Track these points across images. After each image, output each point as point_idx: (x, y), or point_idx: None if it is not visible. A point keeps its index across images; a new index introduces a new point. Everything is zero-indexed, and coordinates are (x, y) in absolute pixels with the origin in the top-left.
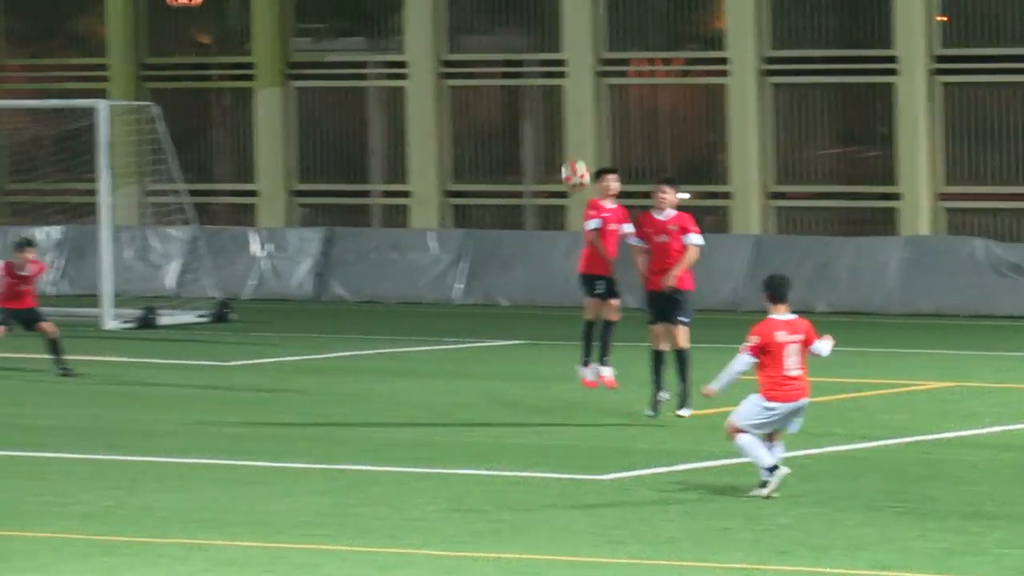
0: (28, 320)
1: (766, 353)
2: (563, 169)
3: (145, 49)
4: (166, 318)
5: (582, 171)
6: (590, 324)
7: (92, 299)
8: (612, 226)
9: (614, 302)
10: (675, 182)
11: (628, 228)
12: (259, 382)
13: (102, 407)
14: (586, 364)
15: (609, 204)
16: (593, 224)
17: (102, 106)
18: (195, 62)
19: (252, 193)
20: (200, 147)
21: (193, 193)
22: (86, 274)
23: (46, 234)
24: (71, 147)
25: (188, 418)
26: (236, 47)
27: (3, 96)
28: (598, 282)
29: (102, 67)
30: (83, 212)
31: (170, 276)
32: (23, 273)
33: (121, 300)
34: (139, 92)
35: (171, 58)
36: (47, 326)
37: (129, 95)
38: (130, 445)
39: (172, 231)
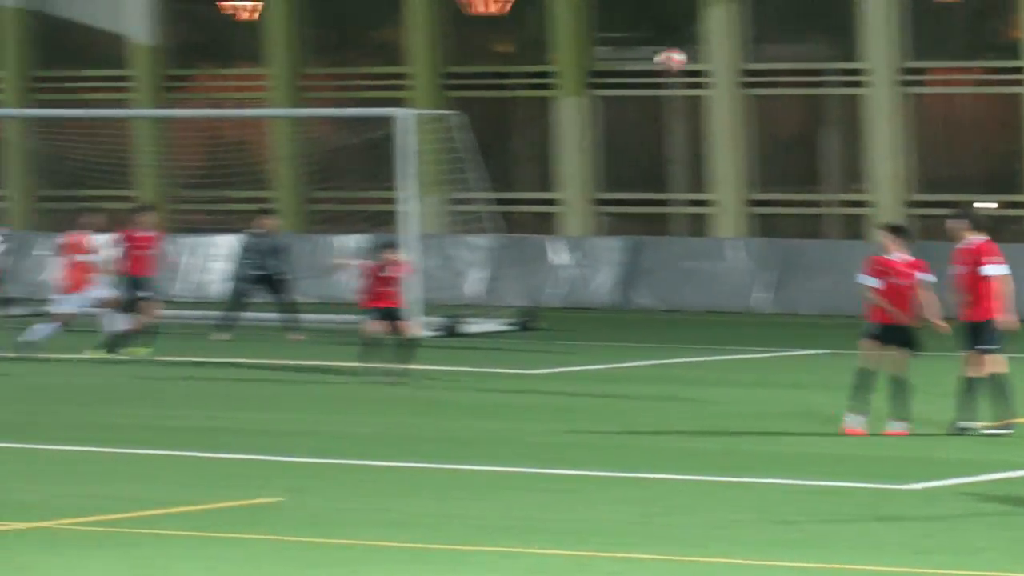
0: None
1: None
2: (660, 56)
3: (447, 58)
4: (471, 326)
5: (678, 58)
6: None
7: None
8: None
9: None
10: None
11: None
12: (564, 390)
13: (410, 415)
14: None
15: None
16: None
17: (406, 115)
18: (496, 71)
19: (555, 202)
20: (502, 156)
21: (496, 202)
22: None
23: (346, 241)
24: (373, 156)
25: (494, 426)
26: (538, 56)
27: (306, 105)
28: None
29: (404, 76)
30: (384, 221)
31: (473, 284)
32: (385, 274)
33: (425, 308)
34: (441, 101)
35: (473, 67)
36: (406, 326)
37: (431, 104)
38: (438, 453)
39: (475, 239)
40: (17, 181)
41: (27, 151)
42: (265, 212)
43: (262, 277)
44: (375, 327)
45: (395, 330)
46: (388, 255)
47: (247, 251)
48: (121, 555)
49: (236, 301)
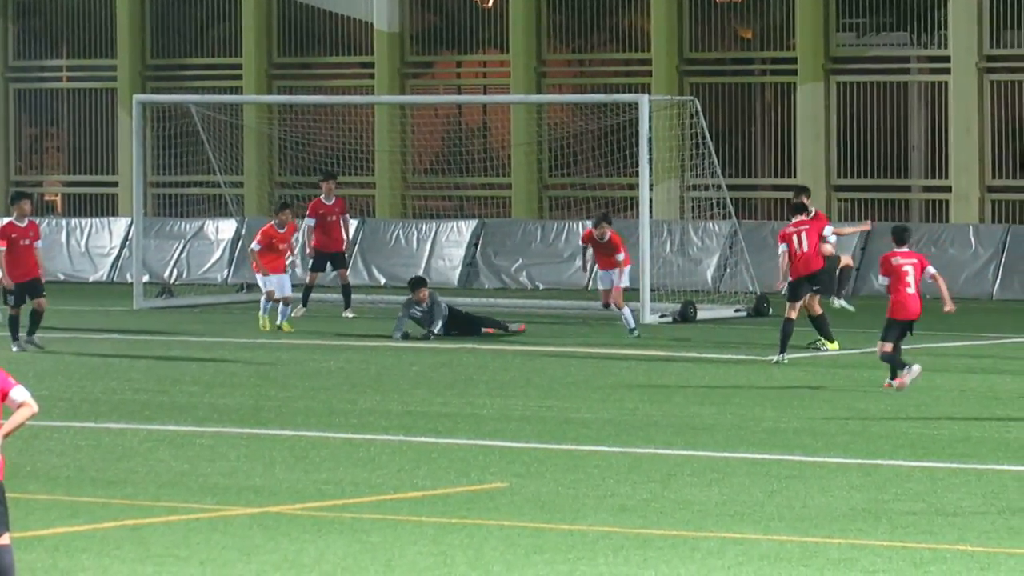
0: None
1: None
2: None
3: (687, 44)
4: (704, 312)
5: None
6: None
7: (633, 293)
8: None
9: None
10: None
11: None
12: (796, 376)
13: (640, 400)
14: None
15: None
16: None
17: (643, 101)
18: (737, 57)
19: (792, 188)
20: (740, 142)
21: (732, 188)
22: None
23: (583, 228)
24: (613, 142)
25: (725, 412)
26: (778, 42)
27: (547, 91)
28: None
29: (645, 62)
30: (624, 207)
31: (709, 270)
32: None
33: (660, 294)
34: (680, 87)
35: (713, 53)
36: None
37: (671, 90)
38: (667, 438)
39: (711, 225)
40: (255, 167)
41: (267, 137)
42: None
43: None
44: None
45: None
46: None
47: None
48: (349, 540)
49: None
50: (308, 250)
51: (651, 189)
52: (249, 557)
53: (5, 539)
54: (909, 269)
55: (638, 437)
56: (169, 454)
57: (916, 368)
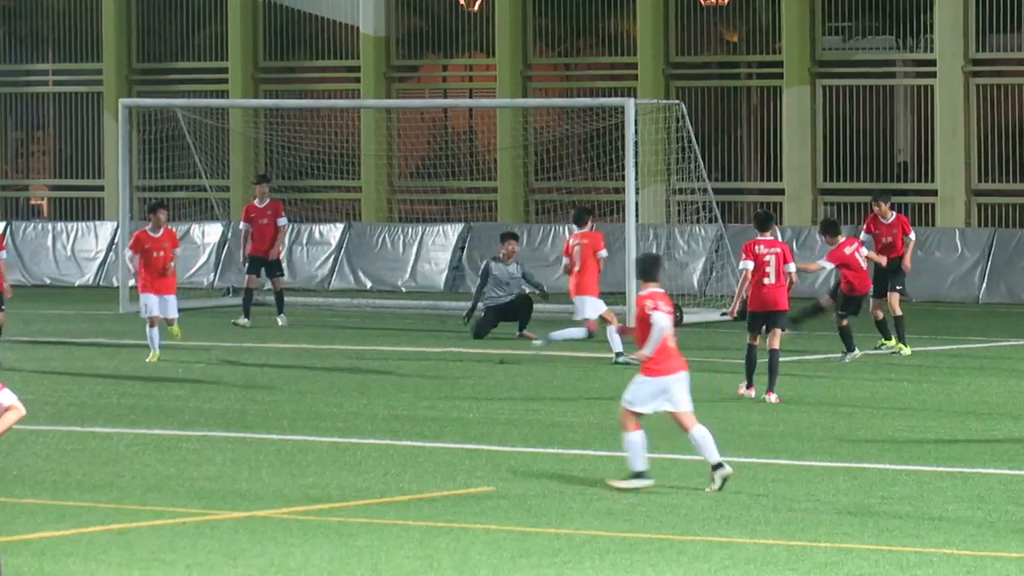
0: None
1: None
2: None
3: (673, 47)
4: (690, 316)
5: None
6: None
7: (620, 297)
8: None
9: None
10: None
11: None
12: (783, 381)
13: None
14: None
15: None
16: None
17: (629, 104)
18: (723, 60)
19: (779, 192)
20: (726, 145)
21: (719, 191)
22: (613, 272)
23: (568, 232)
24: (599, 146)
25: (712, 415)
26: (764, 45)
27: (533, 95)
28: None
29: (631, 66)
30: (610, 210)
31: (695, 274)
32: None
33: None
34: (666, 90)
35: (699, 57)
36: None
37: (657, 93)
38: (653, 443)
39: (697, 229)
40: (241, 171)
41: (253, 141)
42: (510, 237)
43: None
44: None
45: None
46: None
47: (494, 281)
48: (336, 544)
49: (478, 329)
50: (243, 256)
51: (637, 193)
52: (235, 561)
53: None
54: (771, 259)
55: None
56: (155, 458)
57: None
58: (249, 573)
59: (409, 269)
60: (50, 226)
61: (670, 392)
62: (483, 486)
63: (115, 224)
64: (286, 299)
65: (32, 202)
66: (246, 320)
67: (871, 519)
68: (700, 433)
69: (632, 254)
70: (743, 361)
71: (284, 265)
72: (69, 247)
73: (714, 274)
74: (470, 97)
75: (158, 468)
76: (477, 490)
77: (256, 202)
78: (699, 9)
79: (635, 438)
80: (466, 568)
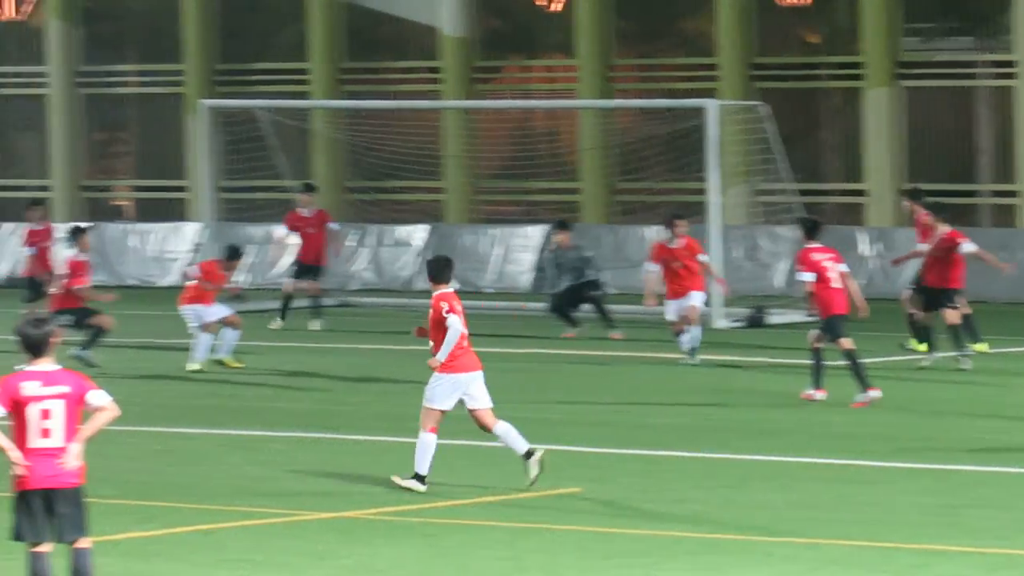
0: None
1: None
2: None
3: (754, 48)
4: (775, 317)
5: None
6: None
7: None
8: None
9: None
10: None
11: None
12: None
13: (712, 405)
14: None
15: None
16: None
17: (711, 106)
18: (804, 61)
19: (861, 193)
20: (809, 147)
21: (802, 192)
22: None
23: (652, 233)
24: (681, 146)
25: (797, 417)
26: (845, 46)
27: (615, 96)
28: None
29: (711, 67)
30: (693, 212)
31: (778, 275)
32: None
33: (730, 299)
34: (748, 92)
35: (780, 57)
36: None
37: (738, 95)
38: (739, 443)
39: (781, 230)
40: (324, 172)
41: (335, 142)
42: (563, 225)
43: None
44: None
45: None
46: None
47: (557, 267)
48: (423, 545)
49: (561, 312)
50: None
51: (720, 194)
52: (323, 562)
53: (84, 543)
54: (829, 264)
55: (711, 442)
56: (243, 458)
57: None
58: (337, 574)
59: (493, 270)
60: (134, 227)
61: (469, 389)
62: (571, 487)
63: (198, 225)
64: (370, 300)
65: (115, 203)
66: (280, 322)
67: (958, 521)
68: (502, 429)
69: (717, 255)
70: (813, 364)
71: (370, 267)
72: (153, 248)
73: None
74: (551, 98)
75: (245, 468)
76: (565, 491)
77: (301, 211)
78: (780, 10)
79: (428, 439)
80: (553, 569)
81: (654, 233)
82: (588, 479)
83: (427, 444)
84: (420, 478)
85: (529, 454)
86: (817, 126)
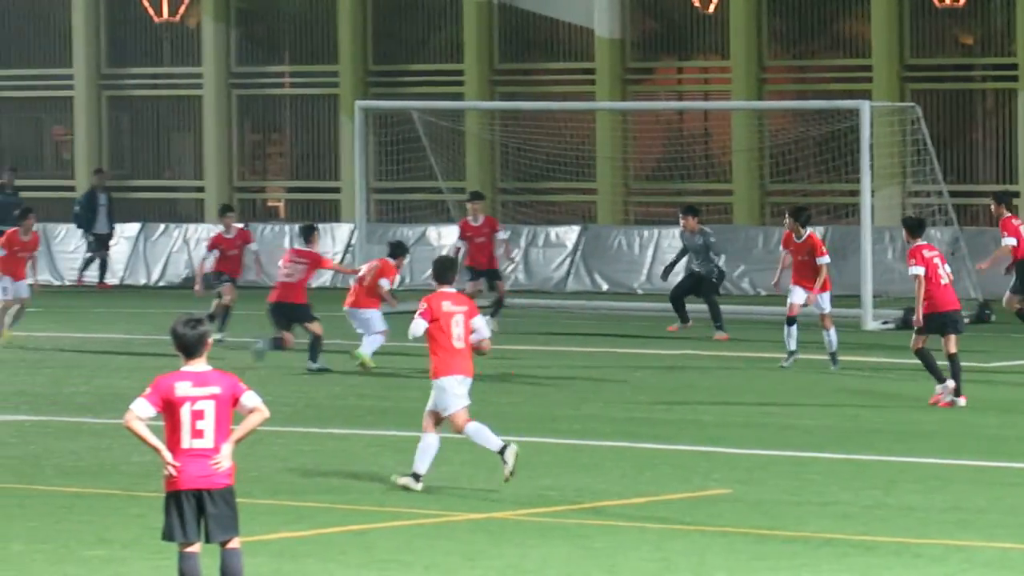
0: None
1: None
2: None
3: (908, 50)
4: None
5: None
6: None
7: (854, 299)
8: None
9: None
10: None
11: None
12: (1019, 383)
13: (861, 407)
14: None
15: None
16: None
17: (864, 107)
18: (957, 63)
19: (1015, 194)
20: (961, 148)
21: (954, 194)
22: (847, 275)
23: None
24: (834, 148)
25: (947, 418)
26: (999, 48)
27: (768, 97)
28: None
29: (866, 68)
30: (845, 213)
31: None
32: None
33: (882, 301)
34: (901, 93)
35: (934, 59)
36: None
37: (891, 96)
38: (888, 445)
39: (933, 232)
40: (477, 173)
41: (488, 143)
42: (691, 210)
43: (692, 277)
44: None
45: None
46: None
47: (682, 252)
48: (572, 546)
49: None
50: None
51: (872, 195)
52: (473, 562)
53: (234, 543)
54: (938, 261)
55: (860, 444)
56: (393, 459)
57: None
58: (487, 574)
59: (645, 271)
60: (287, 228)
61: (465, 389)
62: (719, 488)
63: (352, 226)
64: (521, 301)
65: (269, 204)
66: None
67: None
68: (474, 428)
69: (867, 257)
70: (925, 366)
71: (520, 268)
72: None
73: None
74: (705, 99)
75: (396, 469)
76: (713, 492)
77: (470, 220)
78: (934, 11)
79: (431, 440)
80: (702, 570)
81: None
82: (737, 481)
83: (427, 446)
84: (417, 476)
85: (503, 450)
86: (970, 127)
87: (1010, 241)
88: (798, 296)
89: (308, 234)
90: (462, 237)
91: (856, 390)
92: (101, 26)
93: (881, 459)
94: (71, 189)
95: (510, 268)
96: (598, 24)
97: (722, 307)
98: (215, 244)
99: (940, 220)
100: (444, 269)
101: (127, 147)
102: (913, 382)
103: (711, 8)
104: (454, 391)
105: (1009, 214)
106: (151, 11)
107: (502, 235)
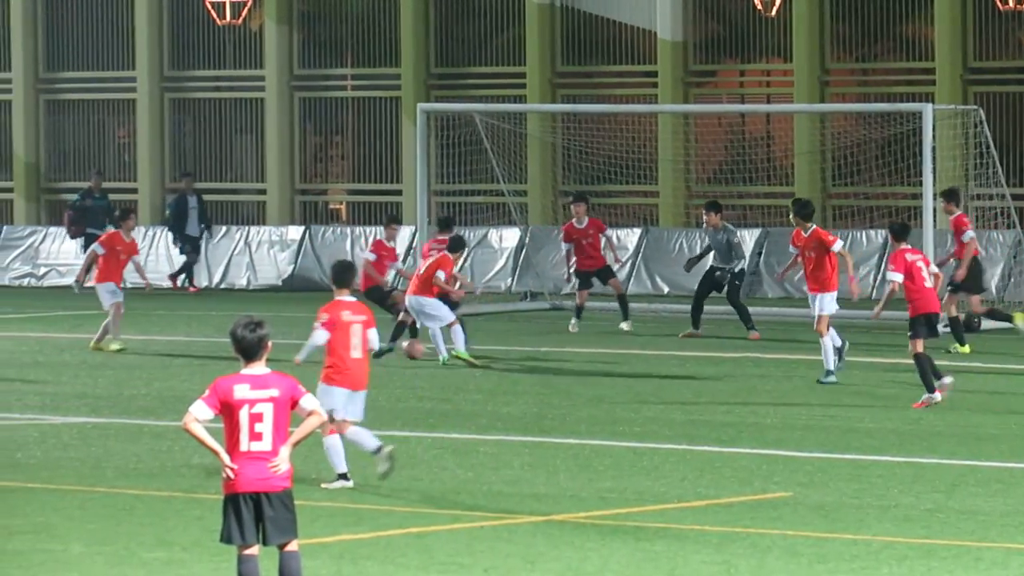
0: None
1: None
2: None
3: (971, 53)
4: (988, 322)
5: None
6: None
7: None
8: None
9: None
10: None
11: None
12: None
13: (923, 410)
14: None
15: None
16: None
17: (927, 110)
18: (1021, 66)
19: None
20: (1023, 152)
21: (1016, 197)
22: None
23: (867, 237)
24: (896, 151)
25: (1010, 421)
26: None
27: (830, 100)
28: None
29: (928, 71)
30: (907, 216)
31: (993, 280)
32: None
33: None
34: (964, 96)
35: (997, 62)
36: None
37: (954, 99)
38: (950, 448)
39: (996, 235)
40: (539, 176)
41: (550, 146)
42: (714, 206)
43: (712, 274)
44: None
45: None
46: None
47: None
48: (633, 549)
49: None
50: (567, 273)
51: (935, 199)
52: (533, 565)
53: (293, 546)
54: (921, 264)
55: (921, 447)
56: (453, 462)
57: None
58: None
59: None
60: (348, 230)
61: (348, 404)
62: (780, 491)
63: (413, 228)
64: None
65: (331, 206)
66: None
67: None
68: (352, 432)
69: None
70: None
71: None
72: (368, 251)
73: (1012, 280)
74: (767, 102)
75: (456, 472)
76: (774, 495)
77: (575, 223)
78: (998, 14)
79: (331, 442)
80: (763, 573)
81: (866, 237)
82: (798, 483)
83: (332, 446)
84: (342, 475)
85: (378, 450)
86: None
87: None
88: (827, 306)
89: (445, 225)
90: (568, 240)
91: (917, 393)
92: (164, 29)
93: (943, 462)
94: (133, 192)
95: (615, 268)
96: (660, 27)
97: (781, 309)
98: (376, 251)
99: (1002, 223)
100: (344, 272)
101: (190, 150)
102: (976, 385)
103: (773, 11)
104: (339, 402)
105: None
106: (214, 14)
107: (609, 233)
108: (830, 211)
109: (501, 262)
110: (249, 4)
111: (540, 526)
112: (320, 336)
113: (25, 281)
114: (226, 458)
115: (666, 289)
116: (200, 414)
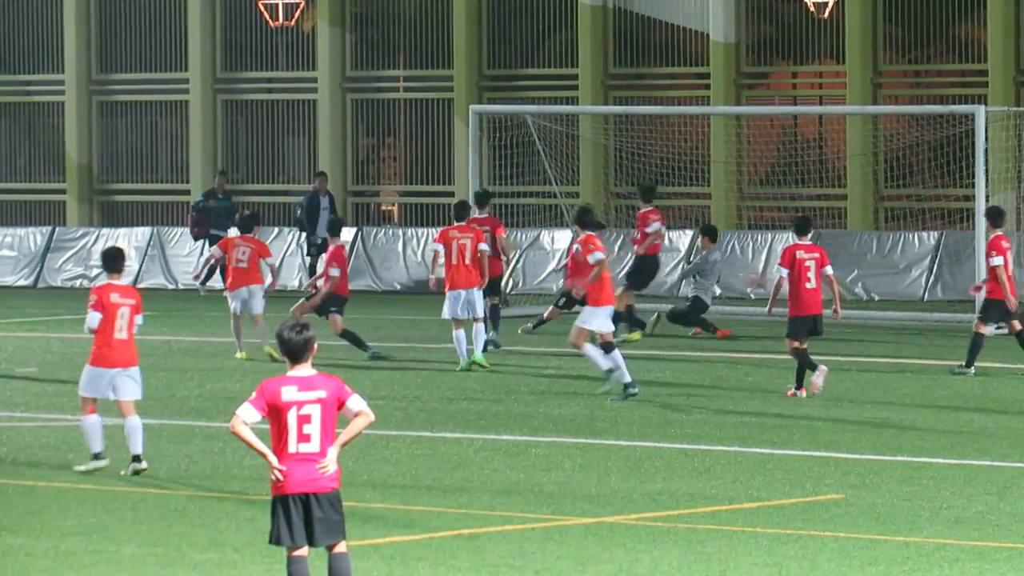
0: None
1: None
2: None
3: None
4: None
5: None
6: None
7: (968, 304)
8: None
9: None
10: None
11: None
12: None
13: (975, 412)
14: None
15: None
16: None
17: (979, 112)
18: None
19: None
20: None
21: None
22: (961, 280)
23: (918, 239)
24: (949, 153)
25: None
26: None
27: (883, 102)
28: None
29: (981, 73)
30: (959, 218)
31: None
32: None
33: None
34: (1017, 97)
35: None
36: None
37: (1007, 101)
38: (1003, 451)
39: None
40: (591, 177)
41: (602, 147)
42: (708, 231)
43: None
44: None
45: None
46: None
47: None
48: (684, 550)
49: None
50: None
51: (987, 200)
52: (584, 567)
53: (342, 547)
54: (811, 264)
55: (973, 449)
56: (505, 463)
57: (824, 369)
58: None
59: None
60: (400, 232)
61: (115, 382)
62: (832, 493)
63: None
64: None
65: (383, 208)
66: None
67: None
68: (132, 424)
69: (981, 263)
70: (796, 365)
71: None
72: (420, 253)
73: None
74: (820, 104)
75: (507, 473)
76: (826, 497)
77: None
78: None
79: (89, 421)
80: (814, 575)
81: (918, 239)
82: (850, 485)
83: (90, 425)
84: (96, 455)
85: (137, 458)
86: None
87: None
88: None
89: (483, 200)
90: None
91: (970, 395)
92: (217, 30)
93: (995, 464)
94: (186, 193)
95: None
96: (713, 28)
97: (852, 312)
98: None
99: None
100: (113, 259)
101: (242, 151)
102: None
103: (826, 13)
104: (97, 382)
105: None
106: (266, 15)
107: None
108: (882, 213)
109: (553, 264)
110: (302, 5)
111: (591, 528)
112: (93, 318)
113: (77, 282)
114: (274, 460)
115: (717, 291)
116: (248, 417)
